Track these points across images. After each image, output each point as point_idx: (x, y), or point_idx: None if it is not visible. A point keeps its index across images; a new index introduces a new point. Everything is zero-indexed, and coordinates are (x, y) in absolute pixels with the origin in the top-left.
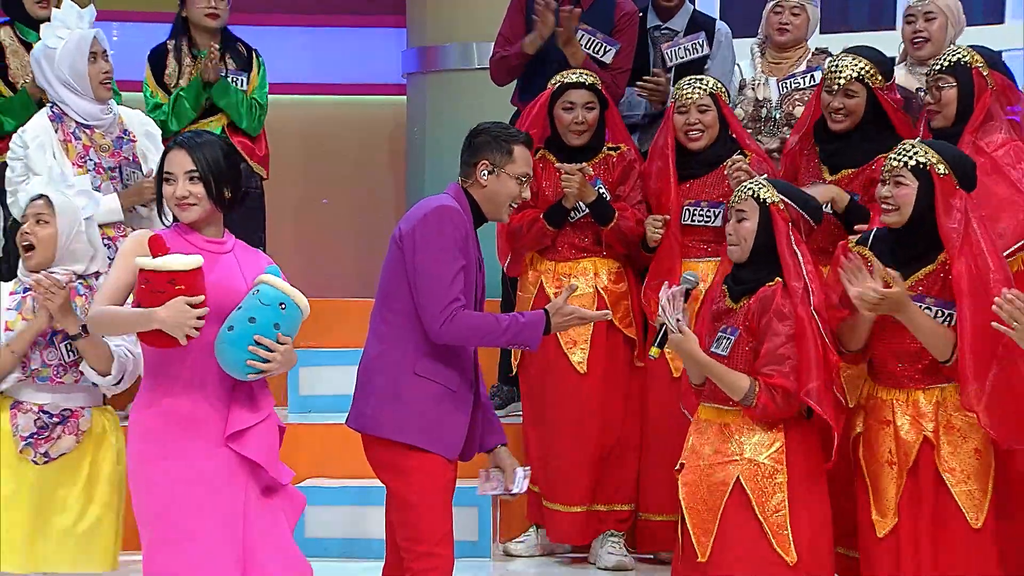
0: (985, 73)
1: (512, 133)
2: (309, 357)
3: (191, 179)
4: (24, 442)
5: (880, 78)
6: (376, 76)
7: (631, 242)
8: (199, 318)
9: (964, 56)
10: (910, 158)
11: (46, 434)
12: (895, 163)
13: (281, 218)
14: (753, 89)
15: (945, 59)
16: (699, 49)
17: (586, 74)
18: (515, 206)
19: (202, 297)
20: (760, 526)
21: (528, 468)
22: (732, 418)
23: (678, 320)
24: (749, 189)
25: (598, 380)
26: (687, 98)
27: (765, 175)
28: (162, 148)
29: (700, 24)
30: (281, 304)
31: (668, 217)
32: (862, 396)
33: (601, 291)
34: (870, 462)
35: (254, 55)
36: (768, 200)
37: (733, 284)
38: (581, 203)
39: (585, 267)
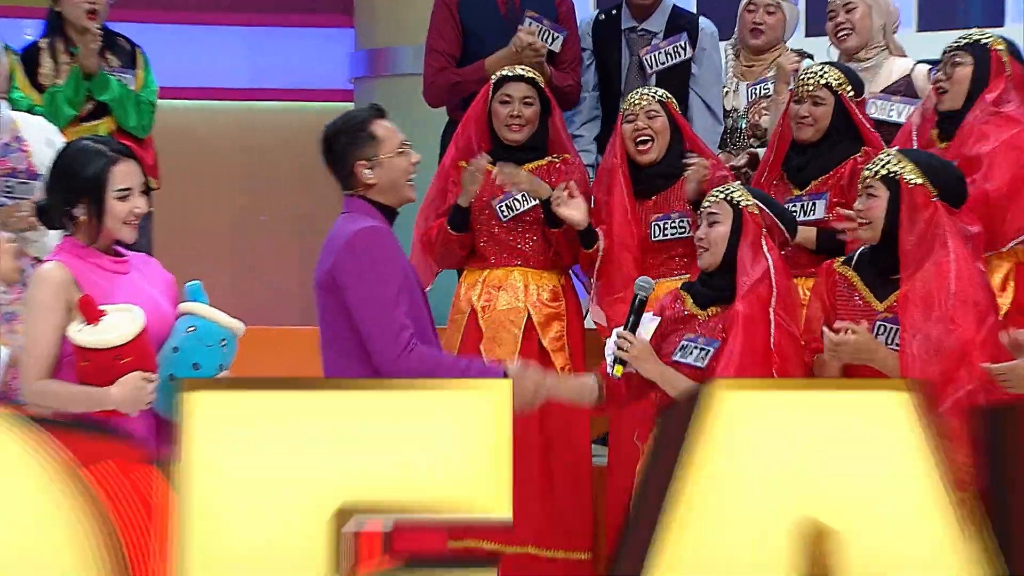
0: (1005, 59)
1: (361, 118)
2: None
3: (143, 193)
4: None
5: (850, 88)
6: (321, 81)
7: (578, 249)
8: (153, 390)
9: (986, 38)
10: (881, 167)
11: None
12: (867, 173)
13: (216, 237)
14: (724, 96)
15: (964, 37)
16: (681, 53)
17: (527, 69)
18: (413, 178)
19: (154, 368)
20: None
21: None
22: None
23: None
24: (722, 192)
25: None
26: (635, 105)
27: (739, 182)
28: None
29: (681, 23)
30: (223, 341)
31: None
32: None
33: (530, 308)
34: None
35: (137, 51)
36: (742, 203)
37: (701, 287)
38: (515, 201)
39: (515, 279)
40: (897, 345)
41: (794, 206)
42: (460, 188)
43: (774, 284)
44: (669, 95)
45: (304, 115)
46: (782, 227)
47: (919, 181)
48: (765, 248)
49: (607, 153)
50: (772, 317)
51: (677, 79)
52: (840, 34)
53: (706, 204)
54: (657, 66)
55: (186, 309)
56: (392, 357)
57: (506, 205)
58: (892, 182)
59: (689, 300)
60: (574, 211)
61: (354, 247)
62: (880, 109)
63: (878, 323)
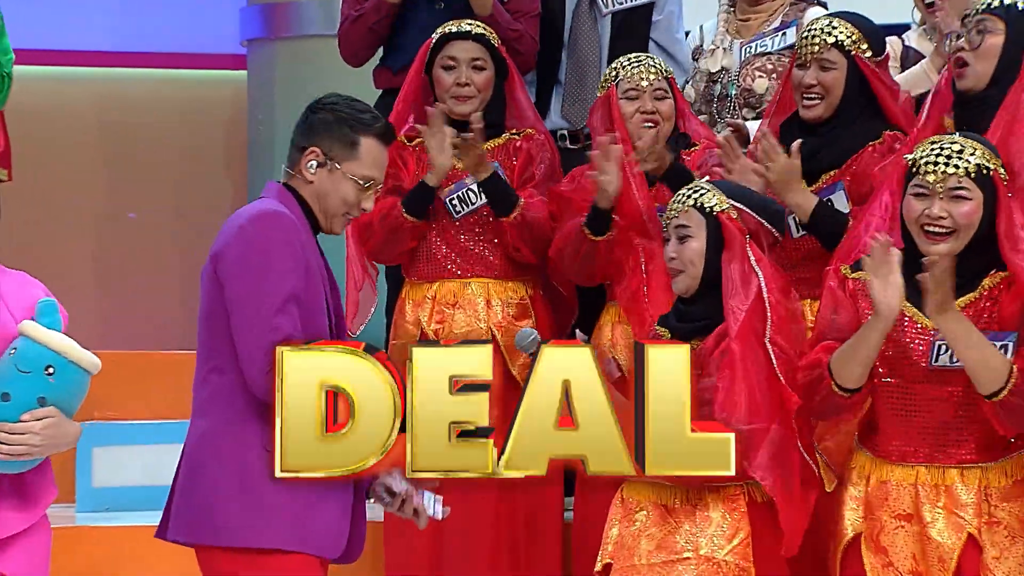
0: None
1: (365, 119)
2: (108, 434)
3: None
4: None
5: (867, 48)
6: (205, 44)
7: (541, 240)
8: None
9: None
10: (968, 161)
11: None
12: (950, 169)
13: (72, 239)
14: (710, 56)
15: None
16: None
17: (474, 24)
18: (350, 217)
19: None
20: None
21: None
22: (675, 499)
23: None
24: (689, 197)
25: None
26: (640, 78)
27: (706, 177)
28: None
29: None
30: (48, 368)
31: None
32: (858, 478)
33: (494, 329)
34: None
35: None
36: (716, 208)
37: (677, 321)
38: (470, 192)
39: (474, 292)
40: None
41: None
42: (403, 170)
43: (768, 306)
44: (669, 68)
45: (183, 86)
46: (768, 226)
47: (1006, 176)
48: (753, 259)
49: (598, 128)
50: (770, 349)
51: (637, 23)
52: (930, 2)
53: (672, 214)
54: (613, 6)
55: (21, 330)
56: (256, 369)
57: (458, 198)
58: (986, 179)
59: (668, 336)
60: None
61: (248, 231)
62: None
63: (938, 343)
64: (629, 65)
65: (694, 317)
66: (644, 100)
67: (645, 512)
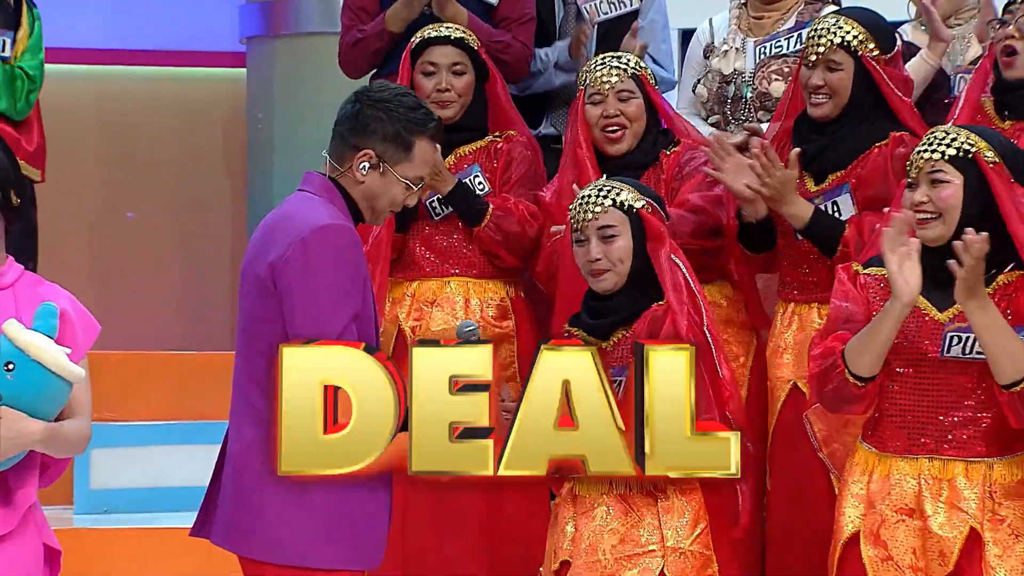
0: None
1: (418, 119)
2: (106, 435)
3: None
4: None
5: (874, 47)
6: (203, 41)
7: (518, 245)
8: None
9: None
10: (947, 145)
11: None
12: (927, 156)
13: (70, 239)
14: (723, 56)
15: None
16: (627, 2)
17: (454, 27)
18: (394, 212)
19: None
20: None
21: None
22: (632, 490)
23: None
24: (607, 198)
25: None
26: (602, 82)
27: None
28: None
29: None
30: (7, 365)
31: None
32: (860, 474)
33: None
34: (882, 572)
35: (25, 6)
36: (636, 206)
37: (594, 318)
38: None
39: (453, 291)
40: (978, 353)
41: None
42: None
43: (698, 293)
44: (642, 64)
45: (182, 84)
46: (663, 212)
47: (997, 159)
48: (671, 252)
49: (568, 136)
50: (709, 337)
51: (624, 30)
52: None
53: (588, 216)
54: (599, 16)
55: (3, 329)
56: None
57: (438, 200)
58: (967, 162)
59: (585, 335)
60: None
61: (308, 245)
62: None
63: (950, 335)
64: (594, 68)
65: (616, 310)
66: (608, 104)
67: (605, 508)
